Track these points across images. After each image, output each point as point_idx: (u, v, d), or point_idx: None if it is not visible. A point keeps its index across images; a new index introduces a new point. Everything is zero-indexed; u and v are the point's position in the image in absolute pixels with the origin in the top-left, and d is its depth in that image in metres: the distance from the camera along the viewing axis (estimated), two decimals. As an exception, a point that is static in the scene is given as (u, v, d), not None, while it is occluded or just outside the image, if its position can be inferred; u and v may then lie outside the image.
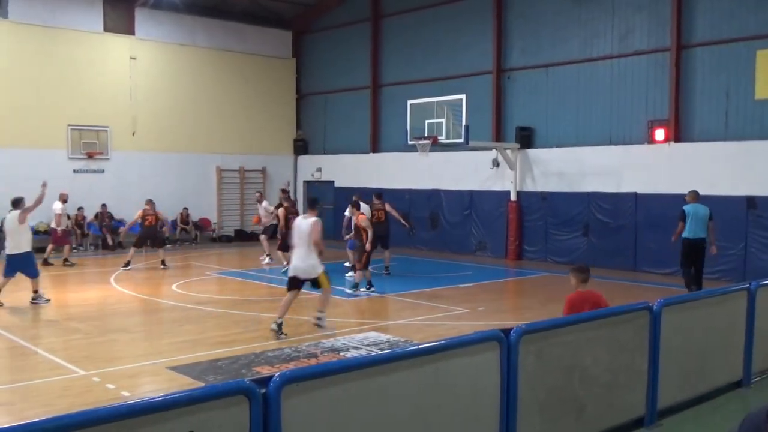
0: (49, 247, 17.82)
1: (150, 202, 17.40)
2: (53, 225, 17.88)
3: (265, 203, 18.57)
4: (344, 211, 16.40)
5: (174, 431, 3.21)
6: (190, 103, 23.64)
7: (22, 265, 12.01)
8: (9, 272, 12.01)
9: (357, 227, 13.68)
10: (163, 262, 17.10)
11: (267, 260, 17.85)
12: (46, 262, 17.03)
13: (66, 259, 17.76)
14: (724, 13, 15.87)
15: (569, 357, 5.32)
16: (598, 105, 18.09)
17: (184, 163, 23.38)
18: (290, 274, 10.16)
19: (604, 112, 17.98)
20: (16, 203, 12.21)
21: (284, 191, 18.17)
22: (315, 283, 10.09)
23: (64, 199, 17.95)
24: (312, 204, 10.59)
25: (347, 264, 15.97)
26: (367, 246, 13.22)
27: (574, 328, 5.45)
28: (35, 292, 12.23)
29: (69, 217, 19.28)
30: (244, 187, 24.87)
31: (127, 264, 16.65)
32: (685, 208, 12.82)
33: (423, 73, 21.99)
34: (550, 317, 6.39)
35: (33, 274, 12.20)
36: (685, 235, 12.66)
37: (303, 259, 9.95)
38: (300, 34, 26.29)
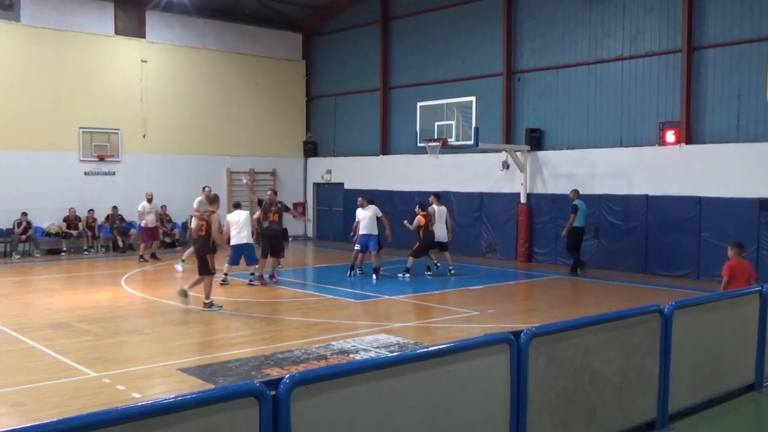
0: (142, 245, 19.11)
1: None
2: (139, 222, 19.56)
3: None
4: (354, 212, 16.41)
5: (184, 433, 3.21)
6: (200, 106, 23.73)
7: (246, 251, 14.48)
8: (237, 260, 14.62)
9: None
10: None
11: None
12: (141, 258, 18.78)
13: (153, 254, 19.21)
14: (736, 15, 15.79)
15: (580, 359, 5.29)
16: (609, 106, 18.02)
17: (195, 165, 23.43)
18: None
19: (614, 113, 17.91)
20: (237, 206, 14.97)
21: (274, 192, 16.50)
22: None
23: (149, 198, 19.30)
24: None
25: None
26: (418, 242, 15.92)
27: (584, 330, 5.41)
28: (252, 274, 14.79)
29: (157, 214, 20.31)
30: (254, 189, 24.89)
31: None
32: (576, 203, 16.42)
33: (433, 75, 21.99)
34: (560, 319, 6.36)
35: (253, 261, 14.69)
36: (576, 224, 16.36)
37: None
38: (310, 37, 26.33)
